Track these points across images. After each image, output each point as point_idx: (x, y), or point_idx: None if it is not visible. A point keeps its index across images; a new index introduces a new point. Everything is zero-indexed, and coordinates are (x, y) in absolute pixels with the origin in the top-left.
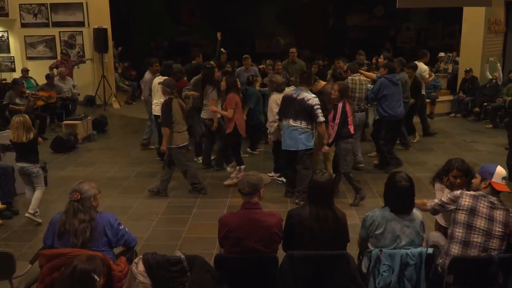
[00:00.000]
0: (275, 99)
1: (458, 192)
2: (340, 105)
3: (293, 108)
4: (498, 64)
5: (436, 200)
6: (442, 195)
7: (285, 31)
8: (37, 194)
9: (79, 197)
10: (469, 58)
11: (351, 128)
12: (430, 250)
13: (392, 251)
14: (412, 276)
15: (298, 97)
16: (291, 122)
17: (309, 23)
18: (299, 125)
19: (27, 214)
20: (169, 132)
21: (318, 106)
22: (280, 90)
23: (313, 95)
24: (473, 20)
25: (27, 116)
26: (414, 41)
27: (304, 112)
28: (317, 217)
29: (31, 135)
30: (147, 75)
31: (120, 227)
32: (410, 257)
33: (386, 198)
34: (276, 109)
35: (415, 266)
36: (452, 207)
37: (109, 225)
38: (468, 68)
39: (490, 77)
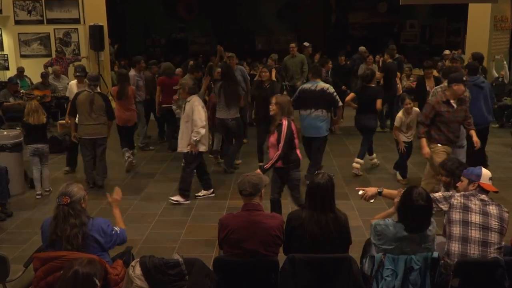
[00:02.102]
0: (200, 101)
1: (450, 192)
2: (285, 122)
3: (314, 99)
4: (505, 62)
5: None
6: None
7: (286, 29)
8: (47, 172)
9: (68, 201)
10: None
11: (299, 153)
12: (435, 254)
13: (396, 255)
14: (417, 281)
15: (317, 89)
16: (313, 111)
17: (311, 20)
18: (321, 114)
19: (45, 193)
20: (73, 122)
21: (336, 93)
22: (195, 92)
23: (328, 84)
24: (479, 17)
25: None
26: (418, 39)
27: (325, 101)
28: (318, 220)
29: (45, 117)
30: (131, 72)
31: (113, 232)
32: (415, 261)
33: (401, 214)
34: (204, 113)
35: (419, 271)
36: (444, 207)
37: (102, 233)
38: None
39: (497, 75)
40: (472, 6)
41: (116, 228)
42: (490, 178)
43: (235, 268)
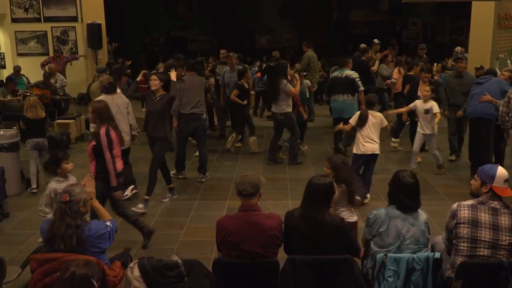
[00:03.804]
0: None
1: (454, 205)
2: (102, 131)
3: (341, 85)
4: (509, 61)
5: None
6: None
7: (287, 28)
8: None
9: (67, 199)
10: (478, 54)
11: (120, 163)
12: (437, 255)
13: (397, 256)
14: (419, 282)
15: (343, 76)
16: (341, 96)
17: (312, 19)
18: (347, 98)
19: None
20: None
21: (358, 79)
22: (108, 91)
23: (353, 71)
24: (482, 15)
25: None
26: (420, 37)
27: (349, 85)
28: (308, 218)
29: (44, 112)
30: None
31: (108, 229)
32: (417, 261)
33: (391, 196)
34: None
35: (421, 271)
36: (453, 222)
37: (100, 239)
38: (478, 66)
39: (500, 73)
40: (476, 4)
41: (107, 223)
42: (506, 181)
43: (234, 269)
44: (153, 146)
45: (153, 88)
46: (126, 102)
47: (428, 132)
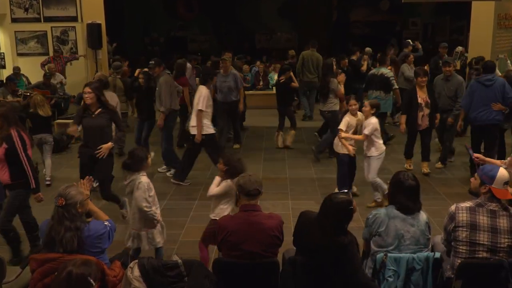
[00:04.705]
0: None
1: (453, 207)
2: (14, 133)
3: (375, 82)
4: (509, 61)
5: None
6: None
7: (287, 28)
8: (49, 162)
9: (63, 203)
10: (478, 54)
11: (29, 170)
12: (437, 255)
13: (397, 255)
14: (419, 282)
15: (379, 73)
16: (375, 92)
17: (312, 19)
18: (379, 94)
19: (47, 182)
20: None
21: (393, 78)
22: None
23: (389, 70)
24: (482, 15)
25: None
26: (420, 37)
27: (383, 83)
28: (319, 224)
29: (50, 110)
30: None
31: (107, 229)
32: (417, 261)
33: (392, 197)
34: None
35: (421, 271)
36: (451, 225)
37: (99, 239)
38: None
39: (500, 74)
40: (475, 4)
41: (105, 223)
42: (506, 183)
43: (234, 269)
44: (94, 165)
45: (88, 101)
46: (115, 101)
47: (368, 154)
